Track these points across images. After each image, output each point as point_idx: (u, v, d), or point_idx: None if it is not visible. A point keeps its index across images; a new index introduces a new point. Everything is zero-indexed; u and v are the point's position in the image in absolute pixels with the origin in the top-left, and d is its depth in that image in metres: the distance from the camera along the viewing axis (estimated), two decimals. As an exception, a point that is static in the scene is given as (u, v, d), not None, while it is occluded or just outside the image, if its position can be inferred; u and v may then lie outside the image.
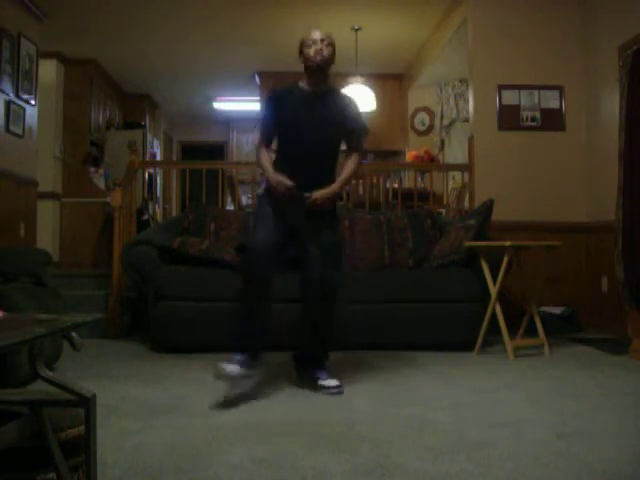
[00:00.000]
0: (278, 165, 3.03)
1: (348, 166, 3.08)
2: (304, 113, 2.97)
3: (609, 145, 4.55)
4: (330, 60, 2.96)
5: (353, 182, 6.05)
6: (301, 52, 2.99)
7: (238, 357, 2.79)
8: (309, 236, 2.91)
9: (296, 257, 2.95)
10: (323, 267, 2.84)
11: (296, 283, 3.01)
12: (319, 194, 2.90)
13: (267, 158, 3.03)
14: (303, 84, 3.04)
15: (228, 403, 2.66)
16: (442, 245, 4.44)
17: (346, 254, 4.44)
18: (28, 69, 5.39)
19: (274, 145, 3.12)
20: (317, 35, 2.95)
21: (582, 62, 5.19)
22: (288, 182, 2.87)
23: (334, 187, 2.97)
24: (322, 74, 2.99)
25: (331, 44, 2.95)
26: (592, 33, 5.07)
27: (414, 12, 6.00)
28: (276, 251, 2.84)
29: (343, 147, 3.16)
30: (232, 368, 2.74)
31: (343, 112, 3.03)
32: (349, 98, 3.12)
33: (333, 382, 2.89)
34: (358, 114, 3.11)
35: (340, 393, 2.83)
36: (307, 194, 2.90)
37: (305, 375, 3.02)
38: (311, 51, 2.92)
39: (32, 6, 5.42)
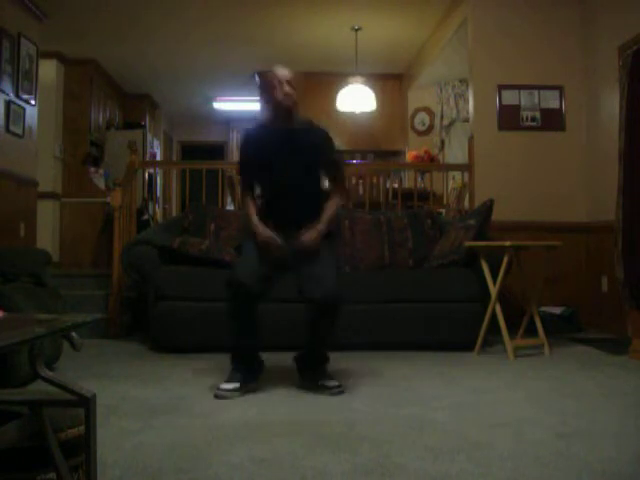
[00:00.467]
0: (265, 208, 3.05)
1: (331, 203, 3.03)
2: (279, 152, 2.94)
3: (609, 145, 4.55)
4: (296, 99, 2.92)
5: (353, 182, 6.06)
6: (265, 90, 2.90)
7: (237, 375, 2.87)
8: (305, 258, 2.89)
9: (289, 265, 2.95)
10: (328, 285, 2.82)
11: (293, 283, 3.03)
12: (306, 237, 2.86)
13: (253, 208, 3.03)
14: (271, 123, 3.01)
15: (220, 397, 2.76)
16: (442, 245, 4.44)
17: (346, 254, 4.45)
18: (28, 69, 5.39)
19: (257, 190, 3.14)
20: (284, 75, 2.88)
21: (582, 62, 5.19)
22: (277, 241, 2.86)
23: (319, 227, 2.91)
24: (290, 114, 2.94)
25: (294, 84, 2.90)
26: (592, 33, 5.07)
27: (414, 12, 6.00)
28: (262, 278, 2.84)
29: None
30: (230, 386, 2.81)
31: (317, 145, 3.00)
32: (322, 130, 3.08)
33: (333, 382, 2.90)
34: (333, 146, 3.09)
35: (340, 393, 2.84)
36: (295, 242, 2.86)
37: (306, 376, 3.03)
38: (279, 94, 2.86)
39: (32, 6, 5.42)
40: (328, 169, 3.09)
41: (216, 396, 2.76)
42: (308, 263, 2.87)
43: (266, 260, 2.86)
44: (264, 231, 2.91)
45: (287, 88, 2.87)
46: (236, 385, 2.82)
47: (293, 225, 2.92)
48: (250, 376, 2.93)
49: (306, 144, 2.98)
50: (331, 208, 3.02)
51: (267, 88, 2.91)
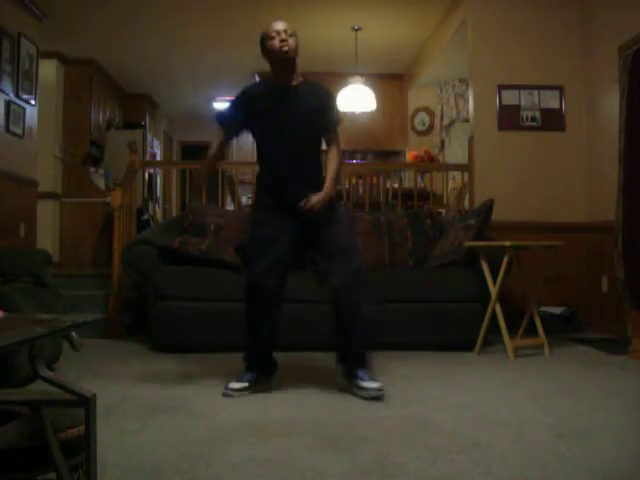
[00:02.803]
0: (262, 169, 2.95)
1: (332, 162, 2.93)
2: (282, 109, 2.83)
3: (609, 145, 4.55)
4: (296, 50, 2.83)
5: (353, 182, 6.06)
6: (263, 45, 2.85)
7: (247, 376, 2.85)
8: (318, 244, 2.84)
9: (300, 258, 2.92)
10: (347, 269, 2.79)
11: (297, 283, 3.02)
12: (315, 200, 2.78)
13: (218, 141, 2.98)
14: (273, 79, 2.91)
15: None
16: (442, 245, 4.44)
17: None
18: (28, 69, 5.39)
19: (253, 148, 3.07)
20: (280, 26, 2.83)
21: (582, 62, 5.19)
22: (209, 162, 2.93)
23: (327, 189, 2.83)
24: (291, 66, 2.85)
25: (294, 35, 2.84)
26: (592, 33, 5.07)
27: (414, 12, 6.00)
28: (281, 270, 2.81)
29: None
30: (238, 386, 2.80)
31: (320, 103, 2.92)
32: (323, 87, 3.01)
33: (374, 384, 2.73)
34: (334, 104, 3.03)
35: (378, 397, 2.68)
36: (301, 203, 2.78)
37: (347, 376, 2.86)
38: (276, 43, 2.79)
39: (32, 6, 5.41)
40: (329, 129, 2.97)
41: (224, 395, 2.75)
42: (322, 241, 2.81)
43: (279, 247, 2.78)
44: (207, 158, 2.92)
45: (284, 35, 2.80)
46: (244, 385, 2.81)
47: (292, 189, 2.82)
48: (264, 376, 2.90)
49: (311, 104, 2.89)
50: (333, 168, 2.91)
51: (265, 40, 2.84)
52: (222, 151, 3.03)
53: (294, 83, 2.89)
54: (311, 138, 2.93)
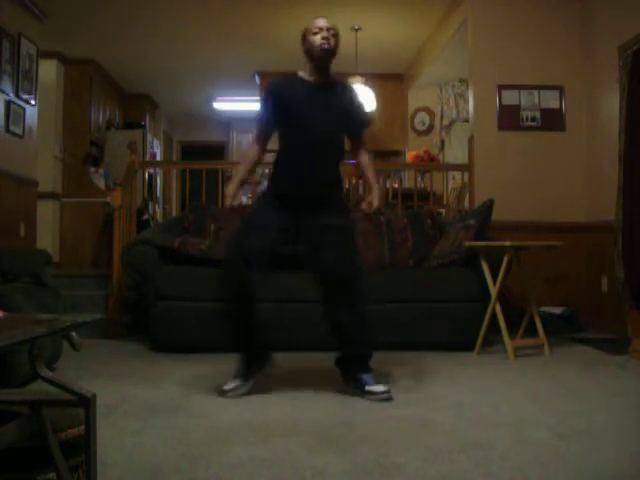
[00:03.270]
0: (281, 162, 2.89)
1: (367, 163, 3.01)
2: (309, 105, 2.81)
3: (609, 145, 4.55)
4: (336, 50, 2.82)
5: (353, 182, 6.05)
6: (305, 40, 2.83)
7: (238, 372, 2.83)
8: (318, 244, 2.82)
9: (295, 256, 2.92)
10: (345, 263, 2.80)
11: (297, 283, 3.01)
12: (374, 199, 2.85)
13: (250, 159, 2.95)
14: (305, 75, 2.89)
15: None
16: (442, 245, 4.44)
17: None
18: (28, 69, 5.39)
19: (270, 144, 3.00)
20: (323, 23, 2.80)
21: (582, 62, 5.19)
22: (236, 202, 2.85)
23: (376, 187, 2.93)
24: (326, 64, 2.84)
25: (336, 35, 2.82)
26: (592, 33, 5.07)
27: (414, 12, 6.00)
28: (266, 255, 2.78)
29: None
30: (232, 386, 2.78)
31: (349, 104, 2.93)
32: (353, 89, 3.03)
33: (380, 387, 2.72)
34: (363, 107, 3.05)
35: (389, 399, 2.67)
36: (363, 206, 2.88)
37: (351, 380, 2.83)
38: (317, 39, 2.77)
39: (32, 6, 5.41)
40: (358, 130, 3.00)
41: (223, 396, 2.75)
42: (322, 242, 2.81)
43: (266, 238, 2.74)
44: (233, 190, 2.84)
45: (327, 33, 2.78)
46: (237, 383, 2.80)
47: (309, 186, 2.81)
48: (256, 362, 2.85)
49: (343, 102, 2.89)
50: (371, 169, 3.00)
51: (307, 35, 2.82)
52: (249, 173, 3.05)
53: (325, 81, 2.89)
54: (338, 138, 2.93)
